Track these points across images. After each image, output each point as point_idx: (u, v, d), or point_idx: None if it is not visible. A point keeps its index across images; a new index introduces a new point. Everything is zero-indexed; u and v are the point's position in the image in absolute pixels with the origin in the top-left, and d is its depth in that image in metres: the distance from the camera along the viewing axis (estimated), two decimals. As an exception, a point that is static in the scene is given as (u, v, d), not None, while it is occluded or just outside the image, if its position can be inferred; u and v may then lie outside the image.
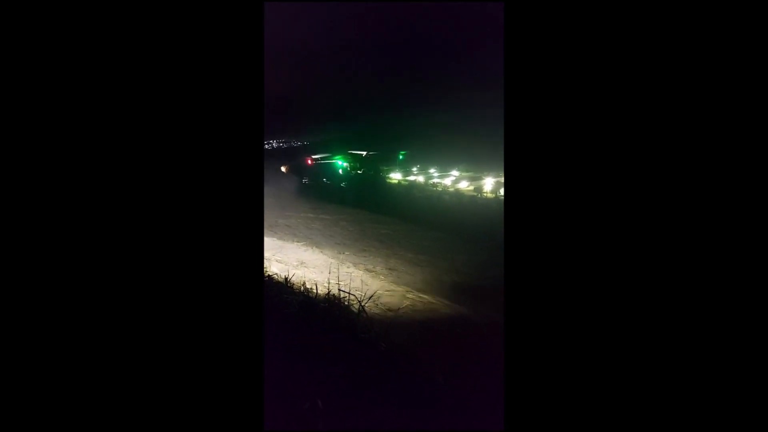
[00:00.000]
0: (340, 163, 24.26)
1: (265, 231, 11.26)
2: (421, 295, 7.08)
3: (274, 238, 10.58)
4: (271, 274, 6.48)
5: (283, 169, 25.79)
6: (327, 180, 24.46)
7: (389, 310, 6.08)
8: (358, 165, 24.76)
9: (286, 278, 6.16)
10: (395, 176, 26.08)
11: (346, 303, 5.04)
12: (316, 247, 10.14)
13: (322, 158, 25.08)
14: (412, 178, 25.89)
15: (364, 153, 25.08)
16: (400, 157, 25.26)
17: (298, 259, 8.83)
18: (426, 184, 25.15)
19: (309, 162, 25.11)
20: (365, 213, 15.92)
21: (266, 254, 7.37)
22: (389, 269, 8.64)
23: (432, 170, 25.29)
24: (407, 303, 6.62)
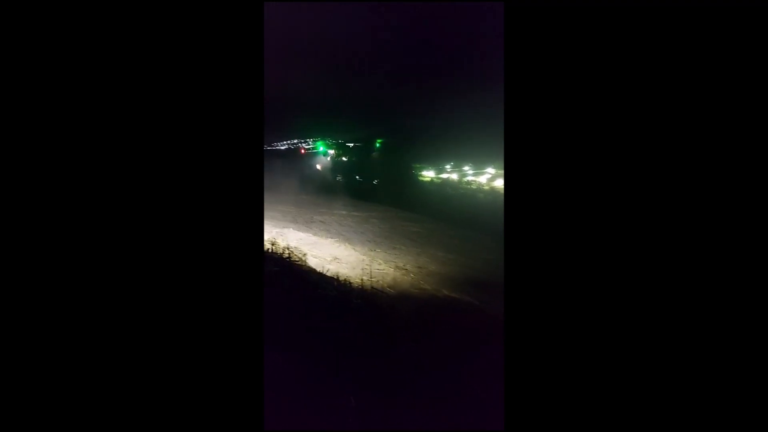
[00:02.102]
0: (321, 149, 29.61)
1: (301, 227, 11.76)
2: (451, 294, 7.16)
3: (310, 234, 11.04)
4: (308, 269, 6.84)
5: (318, 167, 27.39)
6: (360, 177, 25.09)
7: (420, 308, 6.23)
8: (341, 152, 29.35)
9: (321, 273, 6.49)
10: (428, 174, 26.01)
11: (378, 300, 5.25)
12: (348, 243, 10.47)
13: (311, 147, 30.02)
14: (445, 175, 25.68)
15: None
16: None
17: (331, 254, 9.19)
18: (460, 181, 24.81)
19: (302, 151, 30.02)
20: (396, 211, 16.08)
21: (303, 249, 7.78)
22: (419, 267, 8.77)
23: (466, 167, 24.92)
24: (437, 302, 6.73)
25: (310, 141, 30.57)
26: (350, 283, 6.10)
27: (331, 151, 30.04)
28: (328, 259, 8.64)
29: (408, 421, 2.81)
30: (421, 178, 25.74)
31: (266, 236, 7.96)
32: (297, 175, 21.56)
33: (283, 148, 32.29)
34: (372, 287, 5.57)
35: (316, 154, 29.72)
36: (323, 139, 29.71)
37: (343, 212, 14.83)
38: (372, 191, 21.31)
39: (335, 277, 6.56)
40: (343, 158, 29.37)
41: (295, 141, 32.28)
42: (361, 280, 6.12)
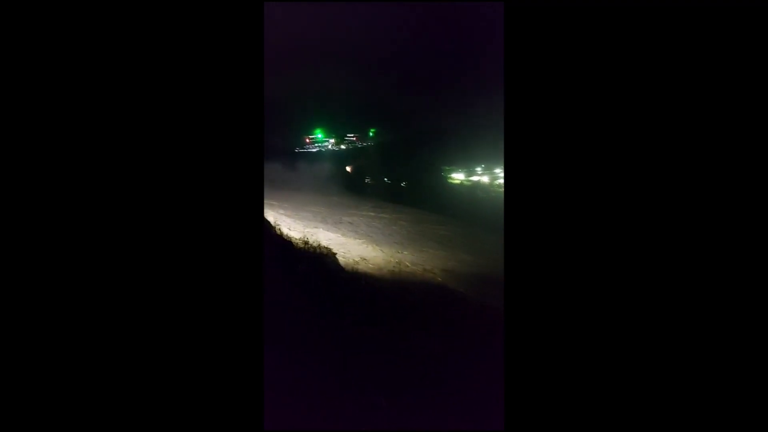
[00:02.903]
0: (320, 136, 34.75)
1: (331, 228, 12.00)
2: (478, 299, 7.04)
3: (339, 235, 11.23)
4: (337, 268, 6.98)
5: (348, 169, 28.08)
6: (388, 180, 25.27)
7: (446, 311, 6.17)
8: (339, 140, 34.18)
9: (350, 273, 6.60)
10: (457, 176, 25.72)
11: (404, 302, 5.27)
12: (376, 244, 10.55)
13: (313, 137, 34.52)
14: (475, 178, 25.28)
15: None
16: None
17: (359, 255, 9.30)
18: (491, 184, 24.32)
19: (307, 141, 34.54)
20: (424, 213, 16.00)
21: (332, 249, 7.96)
22: (446, 271, 8.68)
23: (498, 170, 24.40)
24: (463, 305, 6.64)
25: (316, 134, 35.47)
26: (378, 283, 6.16)
27: (331, 140, 34.53)
28: (357, 259, 8.75)
29: (412, 419, 2.80)
30: (450, 181, 25.45)
31: (297, 235, 8.21)
32: (327, 176, 22.05)
33: (314, 150, 34.34)
34: (399, 288, 5.60)
35: (317, 141, 34.64)
36: (323, 130, 34.58)
37: (371, 214, 14.95)
38: (400, 193, 21.36)
39: (363, 277, 6.65)
40: (341, 146, 33.30)
41: (326, 144, 34.36)
42: (389, 281, 6.16)
